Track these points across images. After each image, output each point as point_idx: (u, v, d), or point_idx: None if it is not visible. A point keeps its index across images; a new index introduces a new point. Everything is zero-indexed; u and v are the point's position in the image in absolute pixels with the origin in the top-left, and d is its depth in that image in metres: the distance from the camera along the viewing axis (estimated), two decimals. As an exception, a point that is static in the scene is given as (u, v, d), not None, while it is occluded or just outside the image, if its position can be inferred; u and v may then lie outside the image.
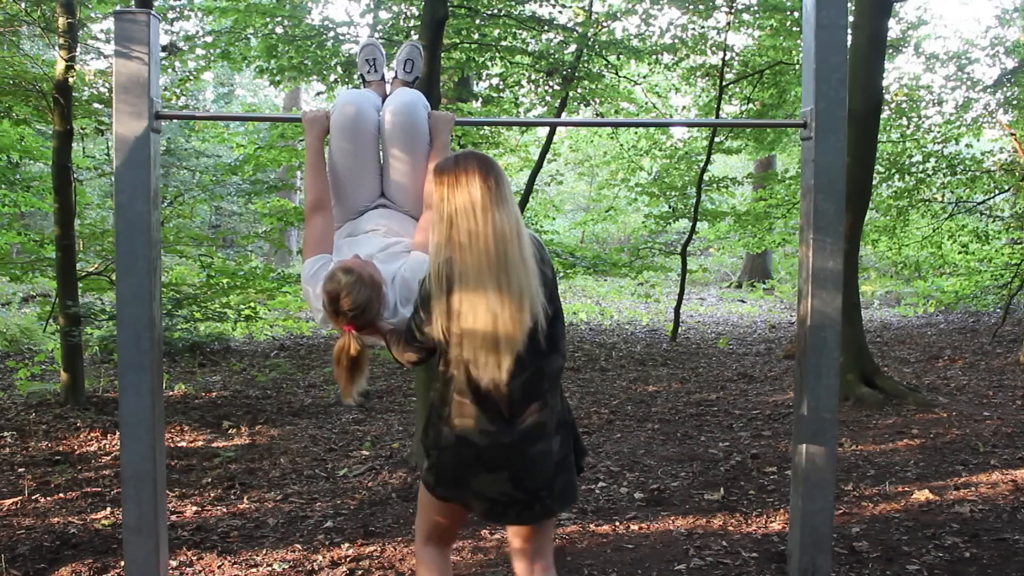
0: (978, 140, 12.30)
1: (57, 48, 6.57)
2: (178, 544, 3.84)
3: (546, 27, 9.66)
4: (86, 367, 7.30)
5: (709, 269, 19.67)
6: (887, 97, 11.20)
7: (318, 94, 13.21)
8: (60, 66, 6.39)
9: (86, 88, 7.32)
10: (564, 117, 10.64)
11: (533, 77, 10.33)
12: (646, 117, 12.74)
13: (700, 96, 12.92)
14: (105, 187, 14.26)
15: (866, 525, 4.01)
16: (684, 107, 16.28)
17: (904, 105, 11.73)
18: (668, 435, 5.94)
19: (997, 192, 11.91)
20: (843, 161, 2.84)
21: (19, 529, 4.05)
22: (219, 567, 3.62)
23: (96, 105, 7.32)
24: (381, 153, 2.90)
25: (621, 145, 15.63)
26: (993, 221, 12.81)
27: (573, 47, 9.93)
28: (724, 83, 10.94)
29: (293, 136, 9.74)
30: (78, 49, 6.76)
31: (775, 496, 4.50)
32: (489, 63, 9.67)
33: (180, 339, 9.13)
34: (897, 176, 11.34)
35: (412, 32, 8.75)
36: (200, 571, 3.59)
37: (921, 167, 11.42)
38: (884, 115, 10.11)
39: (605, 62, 10.35)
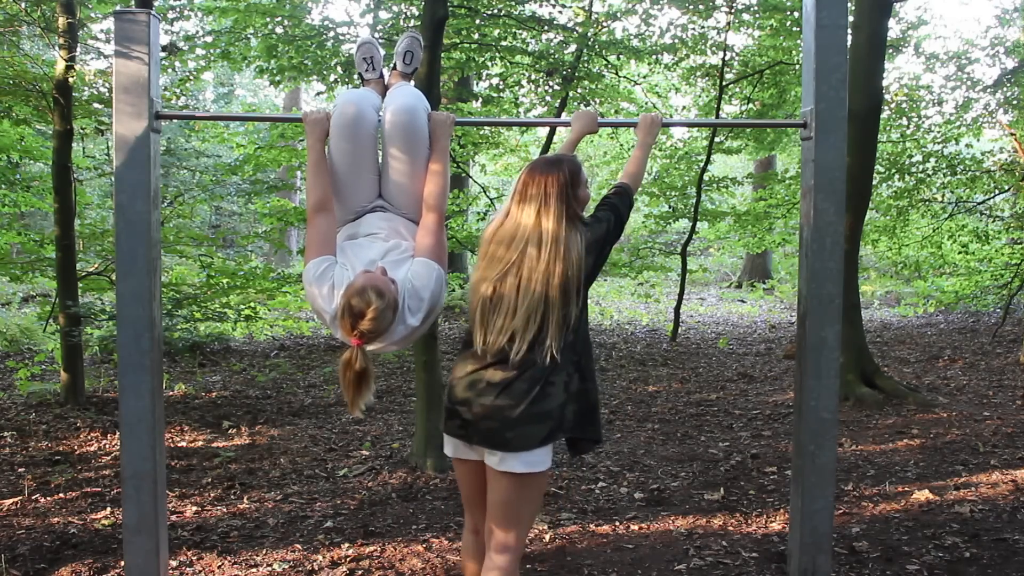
0: (978, 140, 12.30)
1: (57, 48, 6.57)
2: (178, 544, 3.84)
3: (546, 27, 9.66)
4: (86, 367, 7.30)
5: (709, 269, 19.66)
6: (887, 97, 11.21)
7: (318, 94, 13.22)
8: (60, 66, 6.39)
9: (86, 88, 7.31)
10: (564, 117, 10.63)
11: (533, 77, 10.33)
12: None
13: (700, 96, 12.92)
14: (105, 187, 14.26)
15: (866, 525, 4.01)
16: (684, 107, 16.28)
17: (904, 105, 11.73)
18: (668, 435, 5.94)
19: (997, 192, 11.91)
20: (843, 161, 2.84)
21: (19, 529, 4.05)
22: (219, 567, 3.62)
23: (96, 105, 7.31)
24: (380, 154, 2.90)
25: (621, 145, 15.64)
26: (993, 221, 12.81)
27: (573, 47, 9.92)
28: (724, 83, 10.94)
29: (293, 136, 9.74)
30: (78, 49, 6.76)
31: (775, 496, 4.50)
32: (489, 63, 9.67)
33: (180, 339, 9.13)
34: (897, 176, 11.33)
35: (412, 32, 8.74)
36: (200, 571, 3.59)
37: (921, 167, 11.42)
38: (884, 115, 10.11)
39: (605, 62, 10.35)
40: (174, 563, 3.62)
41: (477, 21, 9.06)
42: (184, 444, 5.75)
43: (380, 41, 8.88)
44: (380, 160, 2.90)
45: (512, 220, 2.54)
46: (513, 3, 9.16)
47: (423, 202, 2.73)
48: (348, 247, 2.68)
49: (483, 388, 2.47)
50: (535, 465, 2.47)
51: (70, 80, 6.44)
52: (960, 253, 12.50)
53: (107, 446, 5.61)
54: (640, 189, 12.97)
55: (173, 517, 4.21)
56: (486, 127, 11.12)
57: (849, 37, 6.39)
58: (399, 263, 2.60)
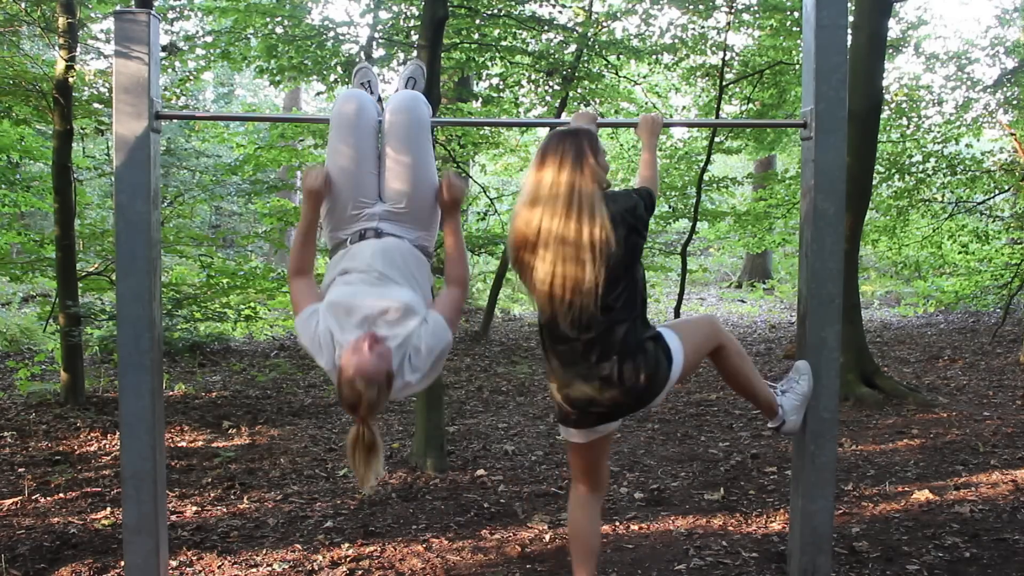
0: (978, 140, 12.29)
1: (57, 48, 6.57)
2: (178, 544, 3.84)
3: (546, 27, 9.66)
4: (86, 367, 7.30)
5: (709, 269, 19.66)
6: (887, 97, 11.21)
7: (318, 94, 13.21)
8: (60, 66, 6.39)
9: (86, 88, 7.31)
10: (564, 117, 10.64)
11: (533, 77, 10.33)
12: (646, 117, 12.73)
13: (700, 96, 12.91)
14: (105, 187, 14.24)
15: (866, 525, 4.01)
16: (684, 107, 16.27)
17: (904, 105, 11.73)
18: (668, 435, 5.94)
19: (997, 192, 11.91)
20: (843, 161, 2.84)
21: (19, 529, 4.05)
22: (219, 567, 3.62)
23: (96, 105, 7.31)
24: (380, 153, 2.87)
25: (621, 145, 15.63)
26: (993, 221, 12.80)
27: (573, 47, 9.93)
28: (724, 83, 10.93)
29: (293, 136, 9.74)
30: (78, 49, 6.76)
31: (775, 496, 4.50)
32: (489, 63, 9.67)
33: (180, 339, 9.13)
34: (897, 176, 11.33)
35: (412, 32, 8.75)
36: (200, 571, 3.59)
37: (921, 167, 11.41)
38: (884, 115, 10.11)
39: (605, 62, 10.34)
40: (174, 563, 3.62)
41: (477, 21, 9.06)
42: (184, 444, 5.75)
43: (380, 41, 8.92)
44: (380, 158, 2.86)
45: (541, 187, 2.57)
46: (513, 3, 9.16)
47: (447, 278, 2.72)
48: (338, 297, 2.56)
49: (596, 385, 2.59)
50: (676, 365, 2.64)
51: (70, 80, 6.44)
52: (960, 253, 12.50)
53: (107, 446, 5.61)
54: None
55: (173, 517, 4.21)
56: (486, 127, 11.13)
57: (849, 37, 6.39)
58: (401, 321, 2.52)
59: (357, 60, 8.83)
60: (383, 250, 2.65)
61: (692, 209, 11.73)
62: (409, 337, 2.50)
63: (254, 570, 3.59)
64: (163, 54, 7.72)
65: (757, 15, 10.42)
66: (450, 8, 6.84)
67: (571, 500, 2.98)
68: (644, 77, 12.30)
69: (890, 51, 10.51)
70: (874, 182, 8.94)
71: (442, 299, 2.68)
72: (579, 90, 10.41)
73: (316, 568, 3.60)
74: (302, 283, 2.67)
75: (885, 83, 8.79)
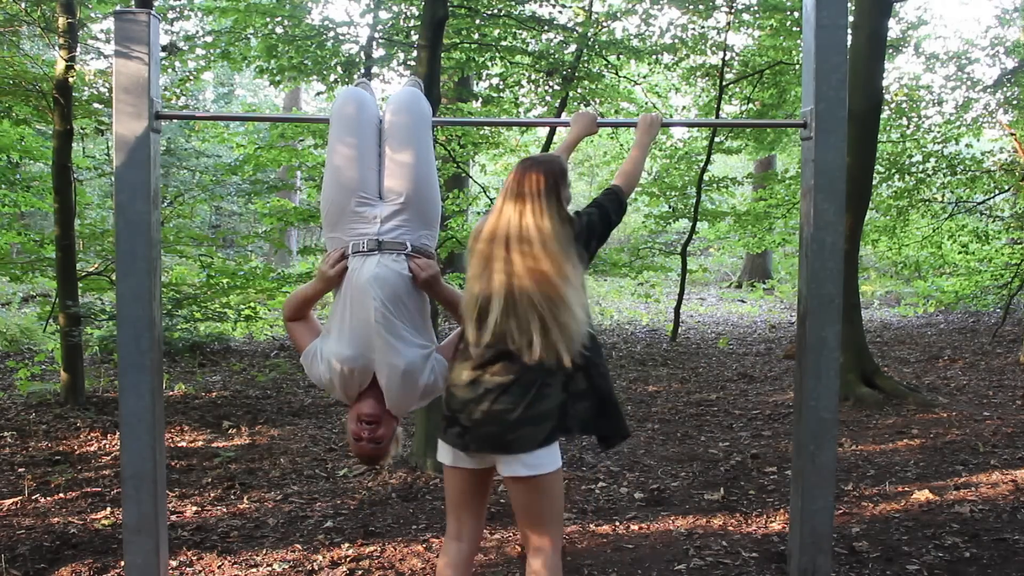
0: (978, 140, 12.31)
1: (57, 48, 6.57)
2: (178, 544, 3.84)
3: (546, 27, 9.66)
4: (86, 367, 7.30)
5: (709, 269, 19.65)
6: (887, 97, 11.21)
7: (318, 94, 13.21)
8: (60, 66, 6.39)
9: (86, 88, 7.31)
10: (564, 117, 10.64)
11: (533, 77, 10.33)
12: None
13: (700, 96, 12.91)
14: (105, 187, 14.26)
15: (866, 525, 4.01)
16: (684, 107, 16.28)
17: (904, 105, 11.74)
18: (668, 435, 5.94)
19: (997, 192, 11.92)
20: (843, 161, 2.84)
21: (19, 529, 4.05)
22: (219, 567, 3.62)
23: (96, 105, 7.31)
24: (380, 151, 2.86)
25: (621, 145, 15.64)
26: (993, 221, 12.81)
27: (573, 47, 9.93)
28: (724, 83, 10.94)
29: (293, 136, 9.72)
30: (78, 49, 6.75)
31: (775, 496, 4.50)
32: (489, 63, 9.67)
33: (180, 339, 9.13)
34: (897, 176, 11.34)
35: (412, 32, 8.74)
36: (200, 571, 3.59)
37: (921, 167, 11.42)
38: (884, 115, 10.11)
39: (605, 62, 10.35)
40: (174, 563, 3.63)
41: (477, 21, 9.06)
42: (184, 444, 5.75)
43: (380, 41, 8.92)
44: (380, 156, 2.84)
45: (504, 217, 2.51)
46: (513, 3, 9.16)
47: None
48: (341, 357, 2.55)
49: (481, 393, 2.45)
50: (539, 468, 2.43)
51: (70, 80, 6.44)
52: (960, 253, 12.51)
53: (107, 446, 5.61)
54: (640, 189, 12.97)
55: (173, 517, 4.21)
56: (486, 127, 11.13)
57: (849, 37, 6.39)
58: (410, 389, 2.63)
59: (357, 60, 8.83)
60: (382, 283, 2.56)
61: (692, 209, 11.74)
62: (425, 386, 2.64)
63: (254, 570, 3.59)
64: (163, 54, 7.72)
65: (757, 15, 10.43)
66: (450, 8, 6.84)
67: (442, 551, 2.71)
68: (644, 77, 12.31)
69: (890, 51, 10.51)
70: (874, 182, 8.94)
71: (453, 344, 2.71)
72: (579, 90, 10.41)
73: (316, 568, 3.60)
74: (298, 324, 2.76)
75: (885, 83, 8.79)
